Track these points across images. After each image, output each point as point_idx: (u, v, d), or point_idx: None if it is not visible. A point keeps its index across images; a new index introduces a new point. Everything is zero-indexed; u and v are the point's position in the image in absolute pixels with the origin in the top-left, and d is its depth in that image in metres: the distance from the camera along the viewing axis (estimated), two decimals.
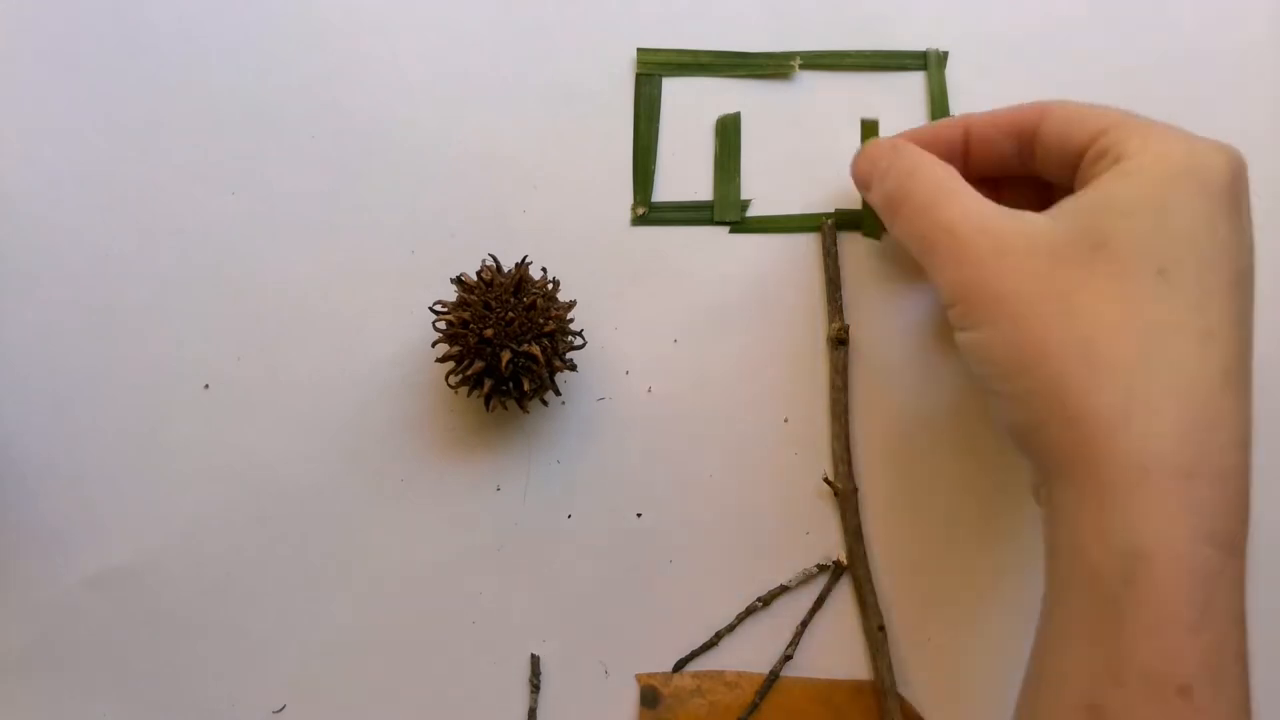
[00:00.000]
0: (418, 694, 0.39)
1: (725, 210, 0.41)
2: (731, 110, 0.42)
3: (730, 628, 0.39)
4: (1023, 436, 0.30)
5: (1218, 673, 0.26)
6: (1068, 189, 0.32)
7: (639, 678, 0.39)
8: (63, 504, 0.39)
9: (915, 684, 0.39)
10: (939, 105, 0.42)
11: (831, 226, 0.41)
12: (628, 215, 0.41)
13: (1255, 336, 0.38)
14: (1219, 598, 0.26)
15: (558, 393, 0.38)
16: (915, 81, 0.42)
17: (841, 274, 0.41)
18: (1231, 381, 0.27)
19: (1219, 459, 0.27)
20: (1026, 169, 0.35)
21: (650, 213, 0.41)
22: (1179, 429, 0.27)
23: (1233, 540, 0.27)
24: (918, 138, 0.36)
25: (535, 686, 0.39)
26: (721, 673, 0.39)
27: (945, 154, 0.35)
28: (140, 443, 0.39)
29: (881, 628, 0.38)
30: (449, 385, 0.37)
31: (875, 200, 0.36)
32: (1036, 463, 0.30)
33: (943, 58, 0.42)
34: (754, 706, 0.39)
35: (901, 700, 0.38)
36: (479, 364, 0.35)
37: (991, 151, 0.35)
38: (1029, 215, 0.30)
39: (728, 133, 0.41)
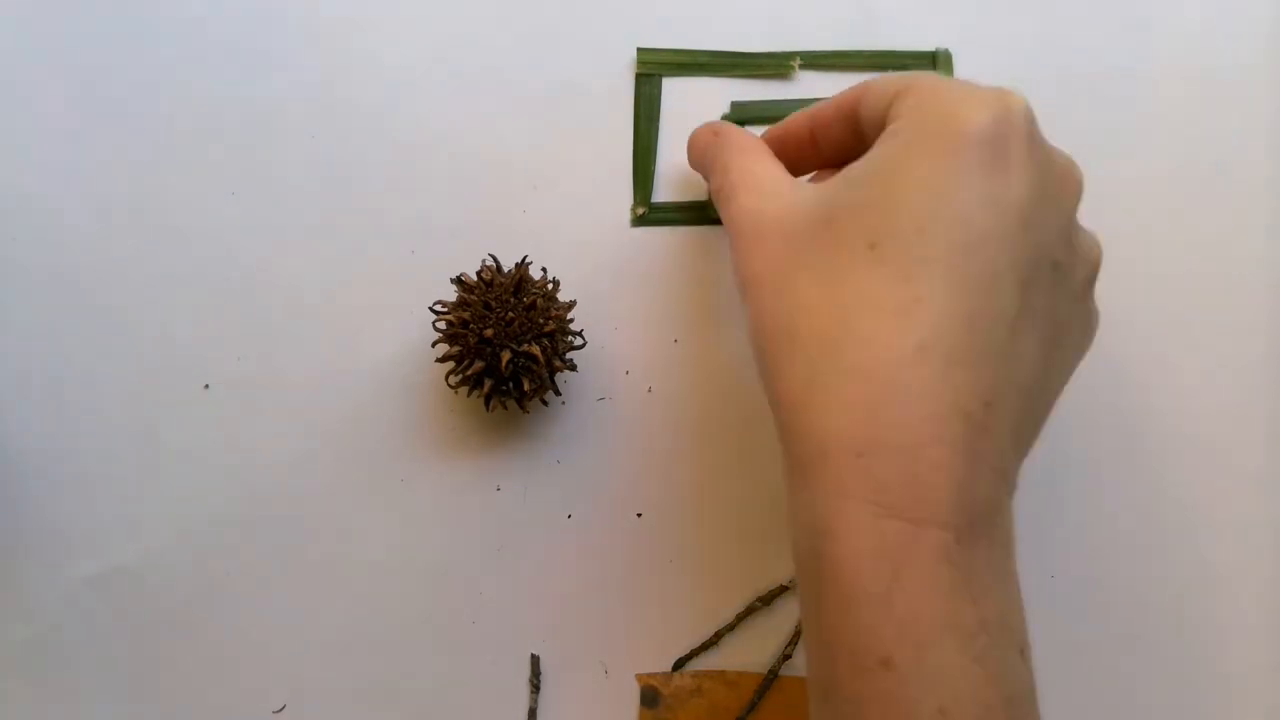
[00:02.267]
0: (418, 694, 0.39)
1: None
2: (730, 110, 0.42)
3: (730, 627, 0.39)
4: None
5: (919, 643, 0.25)
6: None
7: (639, 678, 0.39)
8: (63, 504, 0.39)
9: None
10: None
11: None
12: (628, 215, 0.41)
13: (1249, 336, 0.38)
14: (910, 570, 0.26)
15: (558, 393, 0.38)
16: None
17: None
18: (928, 354, 0.26)
19: (900, 436, 0.26)
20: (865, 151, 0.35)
21: (650, 213, 0.41)
22: (855, 408, 0.26)
23: (926, 513, 0.26)
24: (771, 137, 0.36)
25: (535, 686, 0.39)
26: (722, 672, 0.39)
27: (796, 149, 0.35)
28: (140, 443, 0.39)
29: None
30: (449, 385, 0.37)
31: (711, 193, 0.36)
32: None
33: (949, 58, 0.42)
34: (754, 705, 0.39)
35: None
36: (479, 364, 0.35)
37: (833, 139, 0.34)
38: (803, 192, 0.30)
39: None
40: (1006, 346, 0.27)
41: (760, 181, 0.32)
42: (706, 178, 0.37)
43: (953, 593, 0.26)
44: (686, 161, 0.41)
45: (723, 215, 0.33)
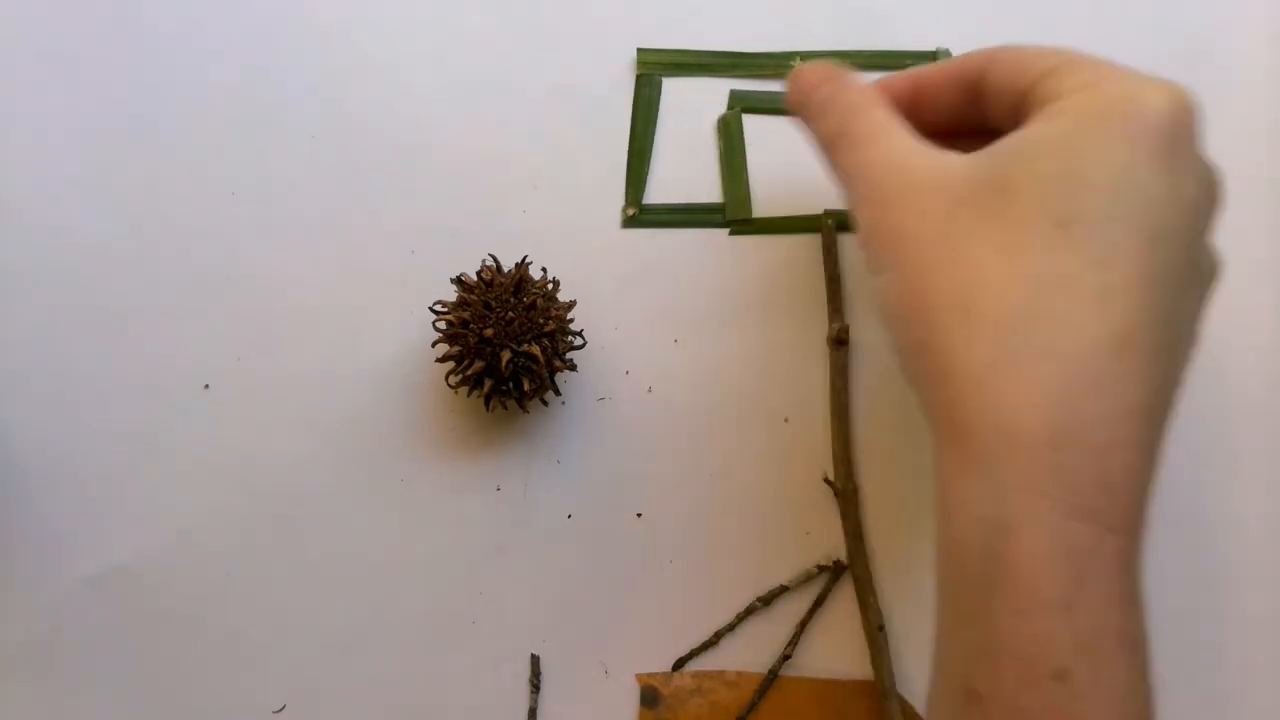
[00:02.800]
0: (418, 694, 0.39)
1: (735, 209, 0.41)
2: (731, 110, 0.42)
3: (730, 627, 0.39)
4: (915, 392, 0.28)
5: (1097, 656, 0.24)
6: None
7: (639, 678, 0.39)
8: (63, 504, 0.39)
9: (915, 684, 0.39)
10: None
11: (832, 226, 0.41)
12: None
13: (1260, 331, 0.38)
14: (1094, 577, 0.24)
15: (558, 393, 0.38)
16: None
17: (842, 274, 0.41)
18: (1131, 347, 0.25)
19: (1097, 432, 0.24)
20: (981, 121, 0.32)
21: (645, 214, 0.41)
22: (1051, 394, 0.24)
23: (1113, 518, 0.25)
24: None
25: (535, 686, 0.39)
26: (721, 672, 0.39)
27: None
28: (140, 443, 0.39)
29: (881, 628, 0.38)
30: (449, 385, 0.37)
31: (813, 134, 0.33)
32: (927, 421, 0.28)
33: (950, 57, 0.42)
34: (753, 706, 0.39)
35: (901, 700, 0.38)
36: (479, 364, 0.35)
37: (941, 104, 0.32)
38: (951, 155, 0.28)
39: (731, 131, 0.41)
40: (1182, 351, 0.26)
41: (896, 135, 0.30)
42: (810, 119, 0.33)
43: (1127, 604, 0.25)
44: (682, 166, 0.41)
45: (843, 162, 0.31)
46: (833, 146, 0.32)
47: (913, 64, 0.42)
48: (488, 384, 0.36)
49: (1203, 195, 0.27)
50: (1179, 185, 0.26)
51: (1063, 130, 0.26)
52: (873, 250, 0.29)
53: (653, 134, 0.41)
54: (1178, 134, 0.26)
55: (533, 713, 0.39)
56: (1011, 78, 0.29)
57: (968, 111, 0.32)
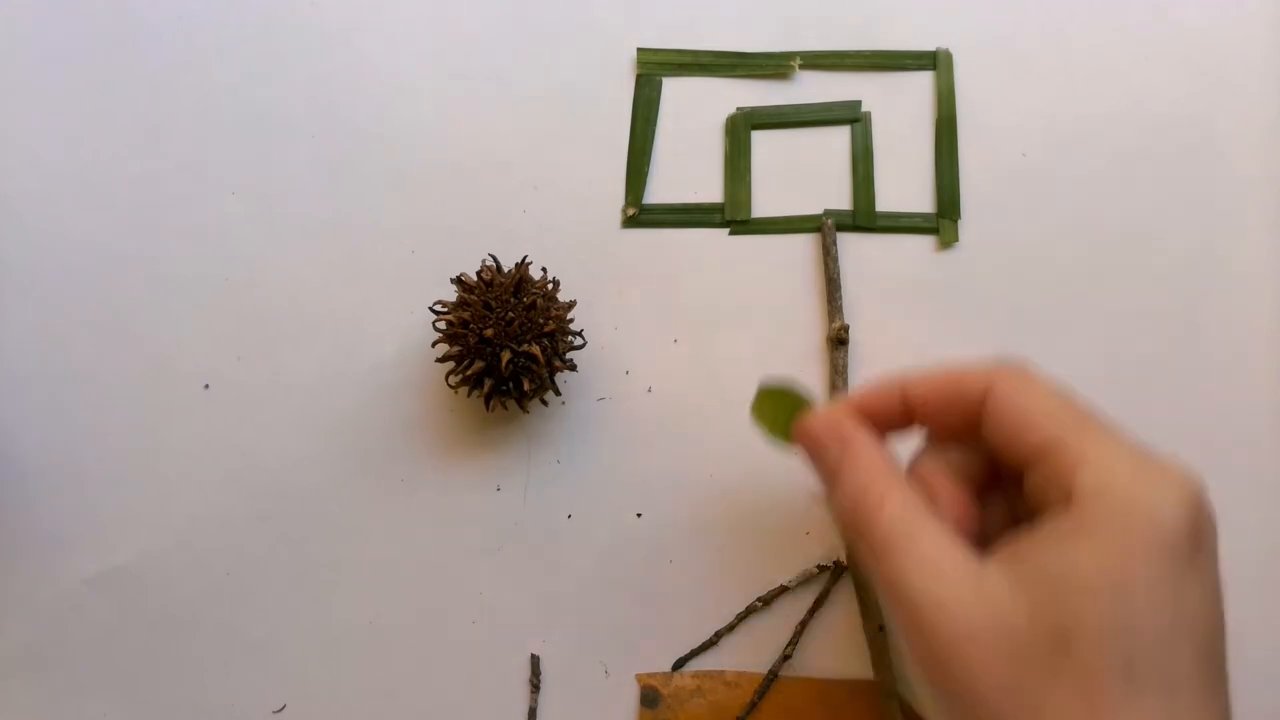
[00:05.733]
0: (418, 693, 0.39)
1: (735, 209, 0.41)
2: (731, 110, 0.42)
3: (730, 628, 0.39)
4: None
5: None
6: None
7: (639, 678, 0.39)
8: (63, 504, 0.39)
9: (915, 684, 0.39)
10: (946, 104, 0.42)
11: (831, 226, 0.41)
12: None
13: (1251, 351, 0.38)
14: None
15: (558, 393, 0.38)
16: (915, 81, 0.42)
17: (841, 274, 0.41)
18: None
19: None
20: (978, 439, 0.31)
21: (645, 214, 0.41)
22: None
23: None
24: (858, 408, 0.32)
25: (535, 686, 0.39)
26: (721, 672, 0.39)
27: (885, 420, 0.32)
28: (140, 443, 0.39)
29: (881, 628, 0.38)
30: (449, 385, 0.37)
31: (830, 505, 0.32)
32: None
33: (949, 58, 0.42)
34: (753, 706, 0.39)
35: (901, 700, 0.38)
36: (479, 364, 0.35)
37: (937, 422, 0.32)
38: (988, 581, 0.28)
39: (737, 133, 0.41)
40: None
41: (924, 538, 0.29)
42: (822, 478, 0.32)
43: None
44: (682, 166, 0.41)
45: (874, 565, 0.29)
46: (851, 531, 0.31)
47: (912, 64, 0.42)
48: (488, 384, 0.36)
49: (1216, 567, 0.28)
50: (1209, 583, 0.27)
51: (1102, 558, 0.26)
52: (935, 688, 0.28)
53: (653, 134, 0.42)
54: (1199, 530, 0.27)
55: (533, 713, 0.39)
56: (1010, 435, 0.29)
57: (965, 431, 0.31)
